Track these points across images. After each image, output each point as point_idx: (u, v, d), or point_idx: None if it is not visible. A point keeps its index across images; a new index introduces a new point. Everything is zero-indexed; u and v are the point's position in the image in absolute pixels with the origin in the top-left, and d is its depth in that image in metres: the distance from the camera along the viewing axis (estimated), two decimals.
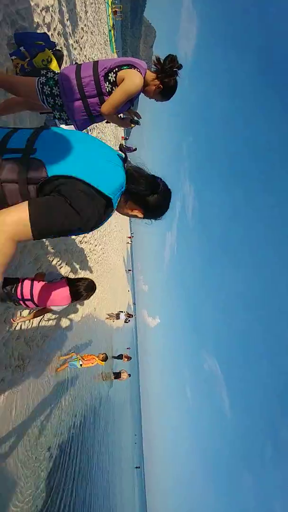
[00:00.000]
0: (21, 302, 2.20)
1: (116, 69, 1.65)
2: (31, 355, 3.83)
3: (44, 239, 3.62)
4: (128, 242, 44.76)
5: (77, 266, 6.14)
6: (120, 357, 13.27)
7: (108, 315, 12.88)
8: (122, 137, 14.68)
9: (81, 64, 1.75)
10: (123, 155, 1.00)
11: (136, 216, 1.06)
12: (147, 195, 0.99)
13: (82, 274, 6.59)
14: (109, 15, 18.25)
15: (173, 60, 1.64)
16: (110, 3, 19.33)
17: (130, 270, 68.26)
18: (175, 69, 1.66)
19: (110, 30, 19.38)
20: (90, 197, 0.84)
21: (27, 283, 2.16)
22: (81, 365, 5.75)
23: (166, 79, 1.69)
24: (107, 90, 1.69)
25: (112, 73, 1.66)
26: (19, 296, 2.16)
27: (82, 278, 2.38)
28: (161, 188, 1.01)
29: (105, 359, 6.63)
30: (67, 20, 4.55)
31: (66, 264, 5.04)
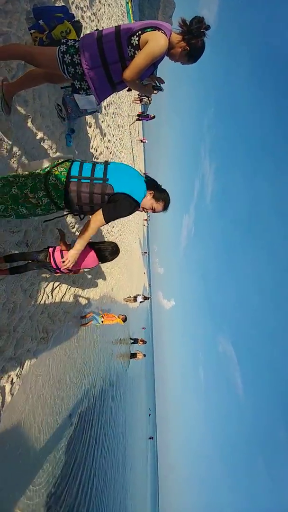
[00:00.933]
0: (57, 270, 2.33)
1: (140, 32, 1.58)
2: (54, 328, 4.02)
3: (67, 218, 3.70)
4: (144, 225, 44.55)
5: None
6: (136, 341, 14.41)
7: (127, 298, 13.98)
8: (139, 112, 14.19)
9: (102, 29, 1.68)
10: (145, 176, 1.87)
11: (154, 208, 1.89)
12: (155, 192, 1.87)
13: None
14: None
15: (200, 21, 1.57)
16: None
17: (146, 252, 68.44)
18: (202, 30, 1.57)
19: (127, 2, 18.30)
20: (131, 203, 1.74)
21: (57, 254, 2.27)
22: (102, 321, 6.11)
23: (193, 40, 1.60)
24: (130, 55, 1.63)
25: (135, 36, 1.59)
26: (53, 266, 2.29)
27: (105, 242, 2.47)
28: (163, 189, 1.89)
29: (124, 319, 7.01)
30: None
31: None
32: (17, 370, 2.94)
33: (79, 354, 5.59)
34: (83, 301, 5.64)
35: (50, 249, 2.30)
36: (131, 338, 14.75)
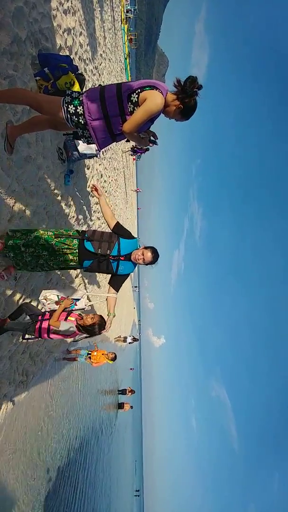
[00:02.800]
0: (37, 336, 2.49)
1: (139, 90, 1.71)
2: (35, 370, 3.74)
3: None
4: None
5: (86, 281, 6.13)
6: (124, 392, 14.53)
7: (117, 338, 14.94)
8: (132, 146, 14.80)
9: (105, 85, 1.83)
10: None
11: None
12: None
13: (90, 288, 6.56)
14: (125, 43, 19.32)
15: (193, 81, 1.69)
16: (126, 30, 20.46)
17: (136, 287, 67.85)
18: (195, 90, 1.70)
19: (125, 58, 20.49)
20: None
21: (44, 329, 2.44)
22: (91, 363, 5.91)
23: (186, 100, 1.73)
24: (129, 110, 1.74)
25: (134, 94, 1.71)
26: (36, 334, 2.46)
27: (93, 322, 2.38)
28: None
29: (114, 358, 6.53)
30: (87, 45, 4.84)
31: (74, 278, 5.03)
32: None
33: (61, 401, 5.15)
34: (68, 339, 5.36)
35: (38, 323, 2.46)
36: (118, 390, 15.00)
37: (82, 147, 3.32)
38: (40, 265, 2.17)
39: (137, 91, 1.72)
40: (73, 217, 4.19)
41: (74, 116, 1.79)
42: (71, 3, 3.84)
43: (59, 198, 3.40)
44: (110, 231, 2.30)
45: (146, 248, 2.27)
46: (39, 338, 2.51)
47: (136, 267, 2.41)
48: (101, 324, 2.39)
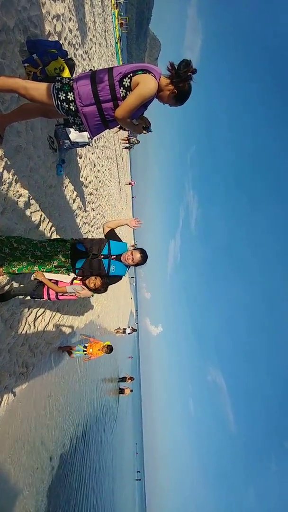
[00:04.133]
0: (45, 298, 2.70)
1: (131, 74, 1.65)
2: (35, 362, 3.77)
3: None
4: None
5: None
6: (123, 379, 15.23)
7: (116, 329, 15.63)
8: (125, 137, 14.33)
9: (95, 70, 1.76)
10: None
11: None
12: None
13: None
14: (115, 27, 18.66)
15: (187, 64, 1.64)
16: (116, 15, 19.73)
17: (133, 277, 68.10)
18: (189, 74, 1.66)
19: (116, 42, 19.80)
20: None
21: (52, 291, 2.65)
22: (89, 356, 5.71)
23: (180, 84, 1.68)
24: (122, 95, 1.69)
25: (126, 78, 1.66)
26: (45, 297, 2.68)
27: (97, 288, 2.45)
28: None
29: (110, 350, 6.33)
30: (76, 30, 4.66)
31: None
32: None
33: (62, 390, 5.23)
34: (67, 330, 5.40)
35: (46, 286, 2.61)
36: (119, 378, 15.56)
37: (74, 135, 3.24)
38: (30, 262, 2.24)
39: (129, 75, 1.66)
40: (67, 207, 4.13)
41: (65, 103, 1.73)
42: None
43: (52, 189, 3.34)
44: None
45: (135, 249, 2.37)
46: (48, 300, 2.74)
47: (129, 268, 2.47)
48: (104, 285, 2.46)
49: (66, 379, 5.58)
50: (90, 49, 6.30)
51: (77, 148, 4.39)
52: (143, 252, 2.37)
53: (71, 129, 3.28)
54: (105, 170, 8.43)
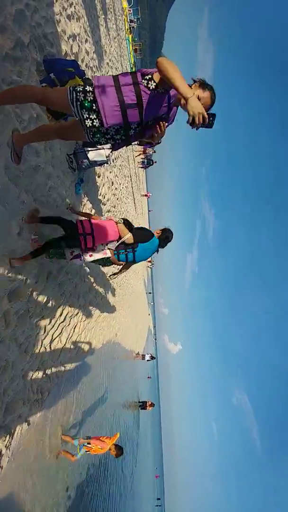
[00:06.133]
0: (81, 237, 2.44)
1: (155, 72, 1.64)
2: (50, 387, 3.59)
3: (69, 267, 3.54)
4: (149, 266, 44.77)
5: (100, 290, 6.00)
6: (143, 406, 15.06)
7: (136, 355, 16.38)
8: (140, 151, 14.33)
9: (117, 74, 1.72)
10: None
11: None
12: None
13: (104, 296, 6.44)
14: (130, 53, 19.55)
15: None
16: (130, 40, 20.70)
17: (150, 292, 67.55)
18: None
19: (132, 68, 20.70)
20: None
21: (86, 221, 2.54)
22: (87, 450, 4.34)
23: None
24: (144, 85, 1.65)
25: (149, 75, 1.66)
26: (80, 231, 2.43)
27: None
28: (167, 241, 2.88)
29: (119, 453, 4.69)
30: (93, 53, 4.80)
31: (89, 288, 4.91)
32: (6, 439, 2.52)
33: (79, 415, 4.98)
34: (84, 349, 5.22)
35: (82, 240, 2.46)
36: (139, 402, 15.52)
37: (92, 154, 3.22)
38: None
39: (151, 74, 1.65)
40: None
41: (81, 94, 1.65)
42: (75, 9, 3.79)
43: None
44: None
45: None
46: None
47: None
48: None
49: (84, 403, 5.34)
50: (107, 72, 6.51)
51: (96, 167, 4.40)
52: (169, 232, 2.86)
53: (90, 149, 3.26)
54: (122, 187, 8.50)
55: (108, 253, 2.60)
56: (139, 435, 15.95)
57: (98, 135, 1.78)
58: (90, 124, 1.71)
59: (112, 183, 6.25)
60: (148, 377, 38.48)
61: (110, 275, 3.29)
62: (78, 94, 1.66)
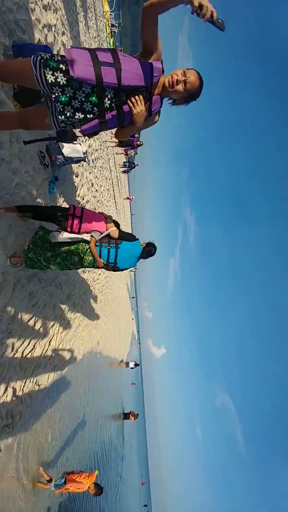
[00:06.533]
0: (69, 217, 2.50)
1: None
2: (22, 409, 3.20)
3: (43, 272, 3.18)
4: (131, 270, 44.47)
5: (80, 298, 5.64)
6: (127, 416, 14.97)
7: (119, 363, 16.27)
8: (122, 151, 14.05)
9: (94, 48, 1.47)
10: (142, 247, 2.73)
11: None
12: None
13: (84, 304, 6.07)
14: None
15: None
16: (111, 44, 20.65)
17: (133, 297, 67.05)
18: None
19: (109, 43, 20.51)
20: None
21: (78, 207, 2.61)
22: (64, 488, 3.77)
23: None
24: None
25: None
26: (71, 211, 2.51)
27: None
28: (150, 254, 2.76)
29: (98, 493, 4.15)
30: (70, 46, 4.53)
31: (67, 296, 4.55)
32: None
33: (59, 435, 4.56)
34: (62, 365, 4.82)
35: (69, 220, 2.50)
36: (123, 413, 15.38)
37: (67, 150, 2.92)
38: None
39: None
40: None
41: (48, 56, 1.42)
42: (52, 0, 3.53)
43: None
44: None
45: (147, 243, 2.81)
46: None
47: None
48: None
49: (64, 420, 4.92)
50: None
51: (72, 165, 4.09)
52: (153, 245, 2.76)
53: (65, 144, 2.96)
54: (104, 190, 8.20)
55: (88, 238, 2.48)
56: (124, 446, 15.45)
57: (65, 109, 1.47)
58: (53, 80, 1.41)
59: (92, 184, 5.93)
60: (132, 384, 37.89)
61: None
62: (44, 57, 1.42)
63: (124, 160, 17.75)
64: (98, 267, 2.57)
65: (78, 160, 3.06)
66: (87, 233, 2.51)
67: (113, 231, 2.59)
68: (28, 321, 3.05)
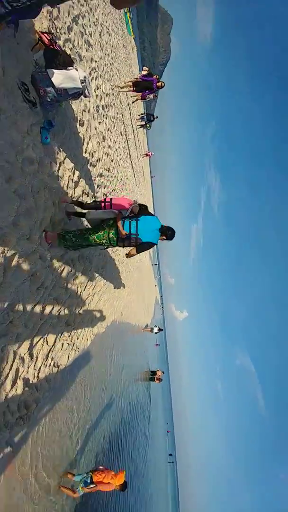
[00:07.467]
0: (102, 202, 2.98)
1: None
2: (38, 397, 2.89)
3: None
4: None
5: (100, 271, 5.16)
6: (152, 379, 15.64)
7: (145, 328, 16.97)
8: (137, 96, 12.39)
9: None
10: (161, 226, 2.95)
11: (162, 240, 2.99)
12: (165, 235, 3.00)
13: (105, 278, 5.61)
14: None
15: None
16: None
17: (156, 264, 67.07)
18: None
19: (125, 13, 18.08)
20: (150, 245, 2.93)
21: (108, 198, 3.03)
22: (91, 486, 3.56)
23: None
24: None
25: None
26: (102, 204, 2.99)
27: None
28: (170, 230, 2.97)
29: (123, 489, 3.94)
30: None
31: (82, 272, 4.04)
32: None
33: (80, 421, 4.37)
34: (84, 343, 4.50)
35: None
36: (150, 371, 16.13)
37: (59, 77, 2.13)
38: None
39: None
40: (64, 193, 3.06)
41: None
42: None
43: (34, 165, 2.28)
44: None
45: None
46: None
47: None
48: None
49: (89, 402, 4.75)
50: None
51: (73, 107, 3.26)
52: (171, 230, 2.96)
53: (55, 71, 2.16)
54: (119, 147, 7.22)
55: (112, 213, 2.93)
56: (151, 402, 16.36)
57: None
58: None
59: (104, 138, 5.04)
60: (156, 345, 39.36)
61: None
62: None
63: (141, 112, 15.97)
64: (123, 240, 2.81)
65: (76, 94, 2.27)
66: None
67: (134, 207, 2.96)
68: (45, 306, 2.59)
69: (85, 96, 2.38)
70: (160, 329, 17.94)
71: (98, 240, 2.81)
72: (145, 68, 10.35)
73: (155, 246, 3.05)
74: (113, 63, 7.55)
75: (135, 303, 13.56)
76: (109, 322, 6.84)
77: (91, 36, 4.93)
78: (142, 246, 2.83)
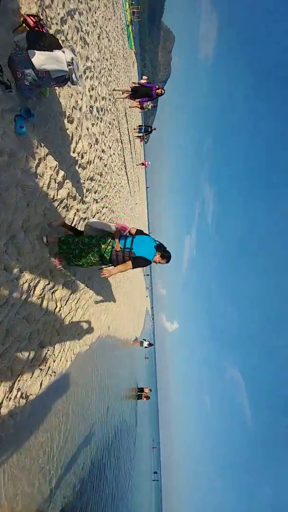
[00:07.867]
0: None
1: None
2: (26, 409, 2.40)
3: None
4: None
5: (86, 282, 4.74)
6: (140, 396, 15.19)
7: (133, 341, 16.45)
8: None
9: None
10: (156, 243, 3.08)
11: (160, 262, 3.09)
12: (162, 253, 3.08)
13: (92, 289, 5.18)
14: (126, 10, 17.33)
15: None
16: (127, 1, 18.45)
17: (148, 274, 66.66)
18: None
19: (127, 25, 18.42)
20: (146, 261, 2.97)
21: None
22: None
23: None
24: None
25: None
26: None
27: None
28: (167, 251, 3.10)
29: None
30: None
31: (64, 284, 3.62)
32: None
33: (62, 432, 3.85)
34: (61, 365, 4.00)
35: None
36: (137, 388, 15.67)
37: (41, 58, 1.79)
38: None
39: None
40: (42, 193, 2.65)
41: None
42: None
43: (3, 157, 1.90)
44: None
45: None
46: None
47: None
48: None
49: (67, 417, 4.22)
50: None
51: (63, 106, 2.92)
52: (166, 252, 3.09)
53: (37, 51, 1.82)
54: (114, 153, 6.92)
55: (114, 228, 3.07)
56: (137, 422, 15.55)
57: None
58: None
59: (97, 141, 4.71)
60: (146, 358, 38.53)
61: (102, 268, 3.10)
62: None
63: (140, 124, 15.97)
64: (117, 258, 2.94)
65: (59, 79, 1.92)
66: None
67: (132, 228, 3.16)
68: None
69: (73, 83, 2.03)
70: (150, 344, 17.56)
71: (92, 259, 2.99)
72: (144, 77, 10.25)
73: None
74: (111, 69, 7.36)
75: (125, 314, 13.05)
76: (94, 338, 6.34)
77: (88, 35, 4.68)
78: (137, 262, 2.91)
